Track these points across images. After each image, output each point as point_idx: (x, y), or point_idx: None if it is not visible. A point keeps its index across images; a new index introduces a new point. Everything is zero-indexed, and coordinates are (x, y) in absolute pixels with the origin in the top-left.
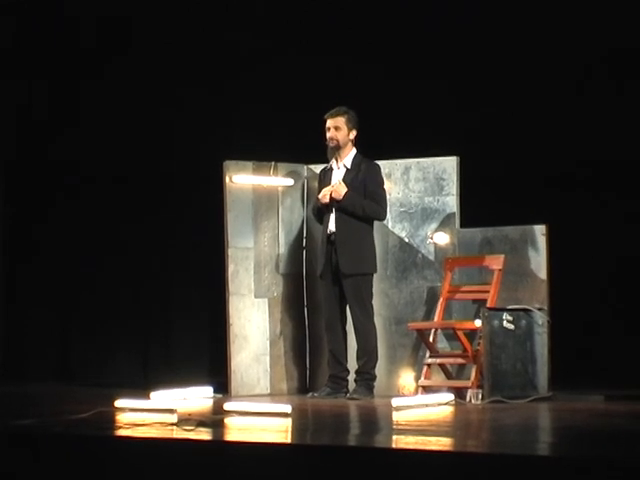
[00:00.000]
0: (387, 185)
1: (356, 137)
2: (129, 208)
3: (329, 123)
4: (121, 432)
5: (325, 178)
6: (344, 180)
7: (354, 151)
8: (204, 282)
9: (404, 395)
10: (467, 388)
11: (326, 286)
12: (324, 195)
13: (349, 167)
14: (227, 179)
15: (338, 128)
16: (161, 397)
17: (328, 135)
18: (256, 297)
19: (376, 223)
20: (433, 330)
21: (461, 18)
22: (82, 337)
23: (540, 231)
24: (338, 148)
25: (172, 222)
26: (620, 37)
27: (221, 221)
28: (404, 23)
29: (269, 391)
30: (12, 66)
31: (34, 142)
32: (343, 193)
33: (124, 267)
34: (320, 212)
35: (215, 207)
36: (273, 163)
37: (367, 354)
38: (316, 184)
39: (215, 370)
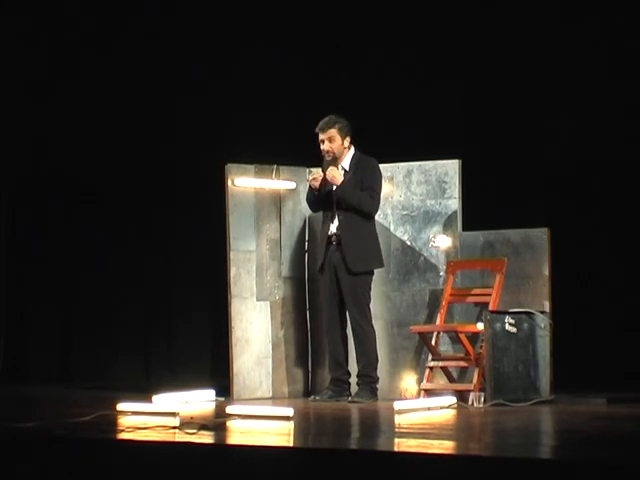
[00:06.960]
0: (389, 188)
1: (350, 141)
2: (131, 210)
3: (322, 136)
4: (123, 435)
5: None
6: (344, 181)
7: (352, 152)
8: (206, 285)
9: (406, 398)
10: (469, 391)
11: (325, 286)
12: (314, 179)
13: (347, 169)
14: (229, 182)
15: (332, 139)
16: (163, 400)
17: (323, 148)
18: (258, 300)
19: (378, 225)
20: (435, 333)
21: (462, 21)
22: (84, 339)
23: (542, 234)
24: (335, 159)
25: (174, 225)
26: (621, 37)
27: (223, 224)
28: (405, 25)
29: (271, 394)
30: None
31: (37, 145)
32: (340, 179)
33: (126, 269)
34: (315, 199)
35: (217, 210)
36: (275, 166)
37: (366, 356)
38: None
39: (217, 373)
